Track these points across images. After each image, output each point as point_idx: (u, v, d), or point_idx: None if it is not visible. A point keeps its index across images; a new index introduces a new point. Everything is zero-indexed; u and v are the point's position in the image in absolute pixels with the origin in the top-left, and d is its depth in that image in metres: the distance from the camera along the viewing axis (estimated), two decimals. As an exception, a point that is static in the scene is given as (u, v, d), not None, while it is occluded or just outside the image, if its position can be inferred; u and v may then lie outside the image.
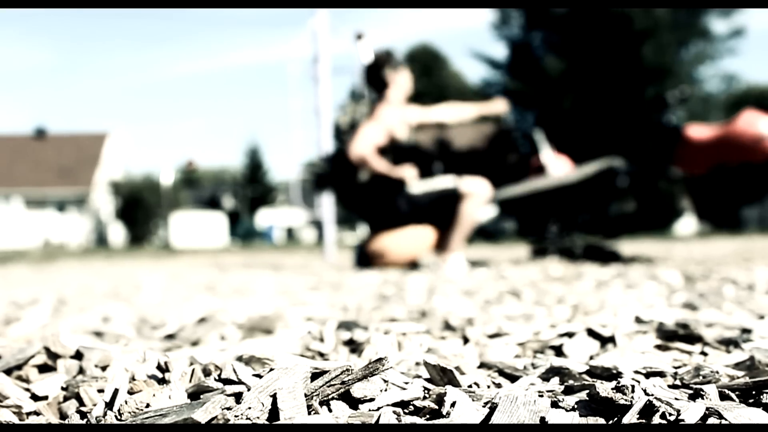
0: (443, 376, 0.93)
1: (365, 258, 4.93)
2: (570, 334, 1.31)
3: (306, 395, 0.80)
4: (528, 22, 37.91)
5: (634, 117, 33.61)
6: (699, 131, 5.09)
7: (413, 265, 4.90)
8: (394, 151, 4.96)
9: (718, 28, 36.55)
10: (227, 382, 0.88)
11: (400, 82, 5.12)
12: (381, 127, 4.91)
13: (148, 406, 0.84)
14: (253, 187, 58.22)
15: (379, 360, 0.84)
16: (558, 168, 5.98)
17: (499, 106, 5.48)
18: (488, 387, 0.98)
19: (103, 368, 1.02)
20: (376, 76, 5.08)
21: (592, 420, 0.78)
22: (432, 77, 46.46)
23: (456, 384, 0.92)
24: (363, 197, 5.03)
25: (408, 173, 4.82)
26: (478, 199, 4.87)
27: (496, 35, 39.03)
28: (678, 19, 34.85)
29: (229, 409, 0.77)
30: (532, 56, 37.95)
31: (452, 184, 4.89)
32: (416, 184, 4.96)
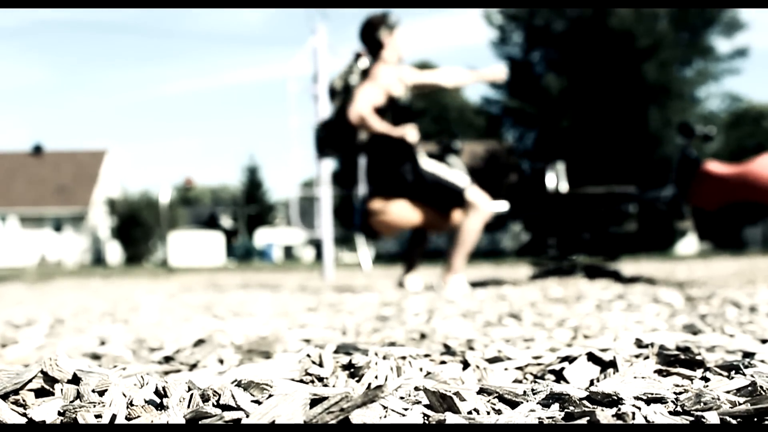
0: (443, 402, 0.93)
1: (366, 215, 4.91)
2: (570, 359, 1.32)
3: (305, 422, 0.80)
4: (528, 41, 38.05)
5: (635, 136, 33.66)
6: (717, 168, 5.09)
7: (399, 284, 4.91)
8: (393, 110, 4.93)
9: (721, 47, 36.69)
10: (226, 408, 0.88)
11: (396, 42, 5.08)
12: (378, 87, 4.87)
13: (145, 432, 0.84)
14: (251, 206, 58.25)
15: (379, 387, 0.84)
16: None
17: (498, 72, 5.44)
18: (488, 413, 0.99)
19: (101, 393, 1.03)
20: (371, 37, 5.04)
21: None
22: (432, 95, 46.60)
23: (455, 410, 0.93)
24: (369, 157, 4.99)
25: (409, 132, 4.79)
26: (480, 215, 4.85)
27: (496, 53, 39.12)
28: (680, 37, 34.99)
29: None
30: (532, 74, 38.06)
31: (462, 183, 4.86)
32: (430, 163, 4.95)
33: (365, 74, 5.00)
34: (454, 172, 4.99)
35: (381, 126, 4.75)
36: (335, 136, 5.06)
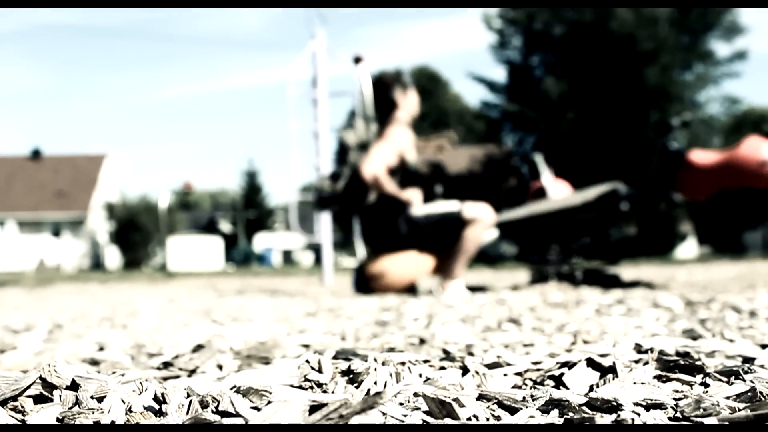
0: (442, 408, 0.93)
1: (364, 280, 4.92)
2: (570, 364, 1.32)
3: (304, 429, 0.80)
4: (527, 44, 38.08)
5: (635, 140, 33.71)
6: (702, 156, 5.09)
7: (412, 289, 4.89)
8: (402, 173, 4.96)
9: (721, 50, 36.75)
10: (225, 414, 0.88)
11: (409, 102, 5.11)
12: (393, 149, 4.90)
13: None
14: (250, 211, 58.25)
15: (378, 394, 0.84)
16: (558, 192, 5.99)
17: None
18: (487, 420, 0.99)
19: (100, 399, 1.03)
20: (384, 97, 5.06)
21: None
22: (432, 99, 46.65)
23: (455, 417, 0.93)
24: (365, 218, 5.02)
25: (415, 197, 4.84)
26: (482, 225, 4.86)
27: (495, 57, 39.17)
28: (680, 41, 35.03)
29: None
30: (532, 79, 38.10)
31: (455, 208, 4.89)
32: (418, 206, 4.96)
33: (379, 133, 5.03)
34: (441, 204, 5.01)
35: (391, 188, 4.81)
36: (346, 193, 5.05)
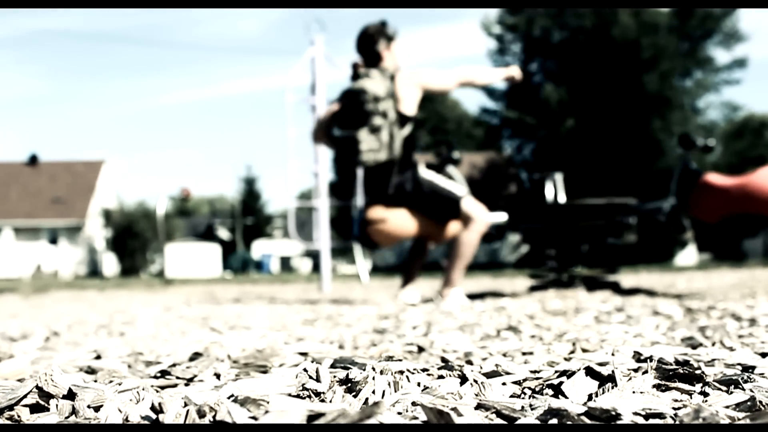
0: (440, 418, 0.93)
1: (364, 223, 4.89)
2: (569, 373, 1.32)
3: (301, 438, 0.80)
4: (526, 51, 38.15)
5: (634, 146, 33.72)
6: (717, 179, 5.09)
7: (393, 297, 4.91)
8: (411, 123, 4.92)
9: (720, 58, 36.88)
10: (222, 424, 0.88)
11: (394, 53, 5.06)
12: (414, 86, 4.87)
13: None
14: (248, 217, 58.24)
15: (376, 404, 0.84)
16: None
17: (513, 72, 5.43)
18: (486, 429, 0.99)
19: (97, 409, 1.03)
20: (369, 48, 4.99)
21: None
22: (431, 105, 46.69)
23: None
24: (371, 170, 4.92)
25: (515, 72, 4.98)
26: (478, 228, 4.84)
27: (495, 63, 39.23)
28: (680, 48, 35.10)
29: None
30: (531, 85, 38.15)
31: (459, 193, 4.85)
32: (427, 172, 4.93)
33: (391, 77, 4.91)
34: (451, 182, 4.99)
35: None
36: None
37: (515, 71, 5.37)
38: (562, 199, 6.09)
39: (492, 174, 43.67)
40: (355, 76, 4.90)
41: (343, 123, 4.87)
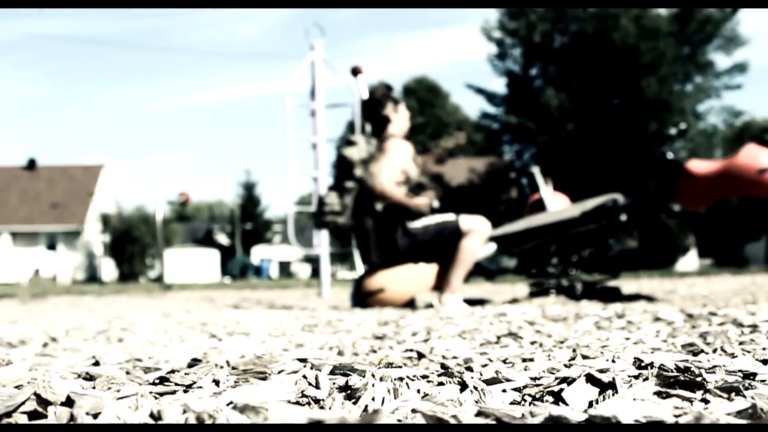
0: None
1: (363, 296, 4.91)
2: (569, 380, 1.32)
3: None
4: (526, 56, 38.18)
5: (635, 151, 33.75)
6: (700, 166, 5.08)
7: (410, 304, 4.89)
8: (407, 187, 4.95)
9: (721, 62, 36.94)
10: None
11: (401, 117, 5.13)
12: (396, 162, 4.90)
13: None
14: (248, 222, 58.23)
15: (375, 412, 0.84)
16: (556, 205, 5.99)
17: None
18: (486, 436, 0.99)
19: (95, 416, 1.03)
20: (376, 113, 5.08)
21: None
22: (432, 110, 46.71)
23: (453, 434, 0.93)
24: (362, 234, 5.00)
25: (425, 203, 4.84)
26: (479, 236, 4.88)
27: (495, 69, 39.24)
28: (680, 52, 35.14)
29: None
30: (531, 90, 38.18)
31: (452, 219, 4.90)
32: (414, 222, 4.96)
33: (379, 148, 4.99)
34: (438, 216, 5.00)
35: (403, 197, 4.81)
36: (357, 207, 5.00)
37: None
38: (547, 191, 6.09)
39: (492, 179, 43.71)
40: (347, 142, 5.07)
41: (330, 186, 5.13)
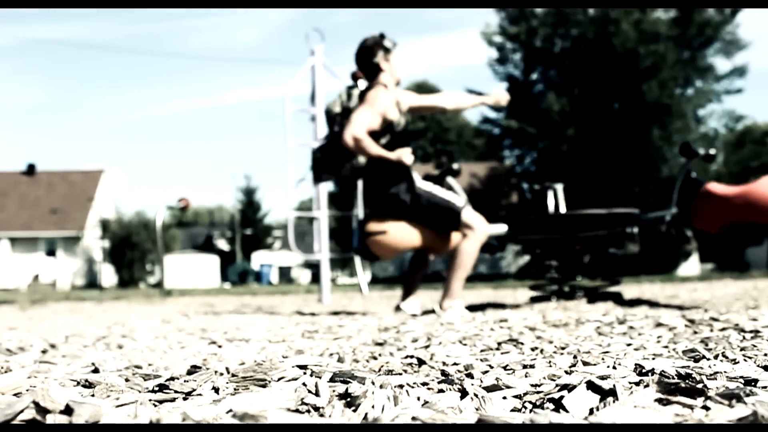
0: (440, 433, 0.93)
1: (364, 235, 4.88)
2: (570, 387, 1.32)
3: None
4: (527, 60, 38.18)
5: (636, 157, 33.73)
6: (719, 188, 5.07)
7: (397, 309, 4.90)
8: (390, 134, 4.89)
9: (721, 66, 36.95)
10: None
11: (393, 65, 5.06)
12: (374, 111, 4.81)
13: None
14: (248, 228, 58.23)
15: (375, 420, 0.84)
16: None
17: (500, 95, 5.42)
18: (486, 444, 0.99)
19: (93, 424, 1.03)
20: (367, 61, 5.00)
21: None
22: (432, 115, 46.73)
23: (453, 441, 0.93)
24: (368, 181, 4.94)
25: (404, 156, 4.78)
26: (477, 239, 4.85)
27: (495, 73, 39.25)
28: (680, 56, 35.14)
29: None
30: (532, 95, 38.19)
31: (458, 204, 4.86)
32: (425, 183, 4.94)
33: (362, 98, 4.96)
34: (450, 193, 4.98)
35: (376, 149, 4.71)
36: (332, 159, 5.03)
37: (501, 96, 5.40)
38: (563, 209, 6.09)
39: (493, 184, 43.72)
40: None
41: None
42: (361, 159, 4.90)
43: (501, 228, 5.62)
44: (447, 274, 4.88)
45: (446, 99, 5.12)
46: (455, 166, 5.54)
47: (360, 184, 5.19)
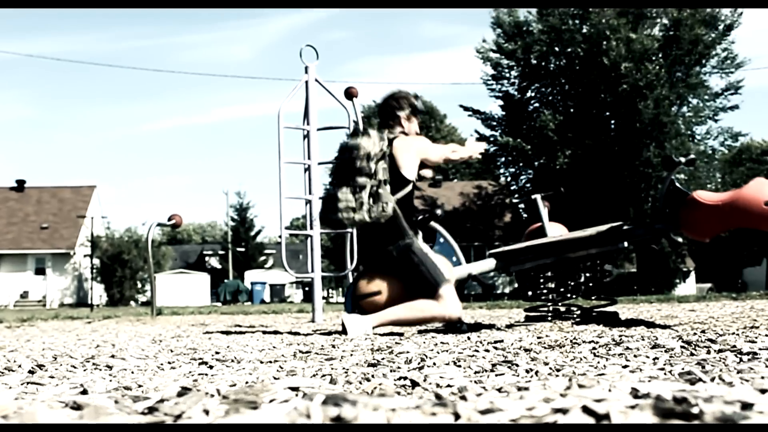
0: (432, 458, 0.93)
1: (357, 298, 4.85)
2: (564, 410, 1.32)
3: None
4: (523, 77, 38.33)
5: (632, 176, 33.85)
6: (706, 196, 5.08)
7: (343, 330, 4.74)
8: (410, 186, 4.92)
9: (716, 84, 37.07)
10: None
11: (411, 127, 5.06)
12: (415, 155, 4.92)
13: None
14: (240, 246, 58.14)
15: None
16: (555, 233, 5.99)
17: (476, 148, 5.43)
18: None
19: (81, 448, 1.02)
20: (390, 109, 4.96)
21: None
22: (427, 132, 46.85)
23: (446, 467, 0.92)
24: (366, 234, 4.89)
25: (478, 147, 4.84)
26: (442, 311, 4.69)
27: (491, 90, 39.35)
28: (673, 75, 35.31)
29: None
30: (527, 112, 38.33)
31: (442, 278, 4.75)
32: (423, 244, 4.91)
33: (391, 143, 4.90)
34: (441, 264, 4.90)
35: (446, 151, 4.84)
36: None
37: (477, 148, 5.42)
38: (546, 220, 6.11)
39: (487, 203, 43.78)
40: (354, 134, 4.85)
41: (333, 179, 4.86)
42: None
43: (489, 264, 5.59)
44: (397, 303, 4.76)
45: (437, 154, 5.13)
46: (438, 211, 5.53)
47: (358, 234, 5.07)
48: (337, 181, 4.72)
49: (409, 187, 4.91)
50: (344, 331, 4.61)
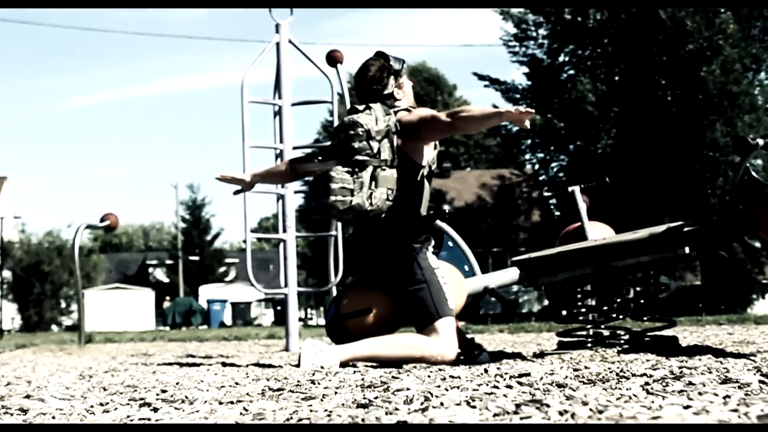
0: None
1: (340, 317, 4.85)
2: (610, 464, 1.31)
3: None
4: (553, 37, 38.06)
5: (693, 161, 33.79)
6: None
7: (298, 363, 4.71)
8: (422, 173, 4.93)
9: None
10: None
11: (407, 89, 5.10)
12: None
13: None
14: (192, 254, 58.08)
15: None
16: (598, 235, 5.99)
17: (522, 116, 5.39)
18: None
19: None
20: (377, 95, 4.90)
21: None
22: (433, 106, 46.81)
23: None
24: (356, 234, 4.89)
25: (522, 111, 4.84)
26: (434, 350, 4.69)
27: (513, 54, 39.10)
28: (750, 30, 35.19)
29: None
30: (559, 80, 38.13)
31: (444, 310, 4.75)
32: (434, 259, 4.87)
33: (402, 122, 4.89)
34: (448, 292, 4.86)
35: (481, 111, 4.73)
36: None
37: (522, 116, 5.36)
38: (585, 218, 6.12)
39: (508, 197, 43.80)
40: (353, 110, 4.84)
41: (324, 158, 4.85)
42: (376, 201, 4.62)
43: (512, 275, 5.59)
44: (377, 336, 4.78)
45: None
46: (446, 207, 5.52)
47: (354, 236, 5.04)
48: (329, 158, 4.75)
49: (422, 174, 4.90)
50: (298, 362, 4.61)
